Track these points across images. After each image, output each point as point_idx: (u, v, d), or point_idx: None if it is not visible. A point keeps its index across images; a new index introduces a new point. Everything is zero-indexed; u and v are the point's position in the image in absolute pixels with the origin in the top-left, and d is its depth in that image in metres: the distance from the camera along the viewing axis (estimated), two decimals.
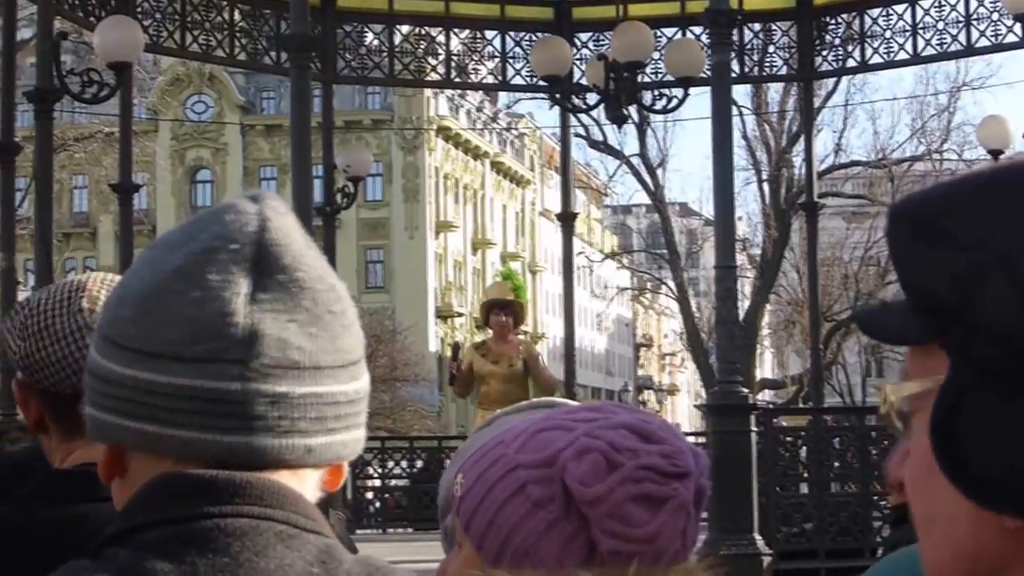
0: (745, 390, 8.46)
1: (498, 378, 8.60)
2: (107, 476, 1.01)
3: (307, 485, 1.01)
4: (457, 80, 13.34)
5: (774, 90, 29.60)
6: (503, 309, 8.69)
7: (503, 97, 51.09)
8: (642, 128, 29.51)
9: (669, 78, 11.41)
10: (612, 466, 1.18)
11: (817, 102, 27.97)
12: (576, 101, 12.14)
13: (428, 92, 46.46)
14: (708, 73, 9.87)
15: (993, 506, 0.74)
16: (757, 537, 7.98)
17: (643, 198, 36.99)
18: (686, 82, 10.87)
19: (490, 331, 8.88)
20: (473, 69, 13.16)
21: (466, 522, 1.22)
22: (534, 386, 8.63)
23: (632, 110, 15.31)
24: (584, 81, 11.79)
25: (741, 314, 32.50)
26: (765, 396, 36.76)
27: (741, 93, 30.92)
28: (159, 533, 0.94)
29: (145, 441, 0.96)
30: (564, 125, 13.19)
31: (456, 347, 9.51)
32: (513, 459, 1.22)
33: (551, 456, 1.20)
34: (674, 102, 11.15)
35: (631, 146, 30.86)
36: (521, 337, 9.28)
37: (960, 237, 0.74)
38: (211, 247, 0.97)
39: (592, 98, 11.70)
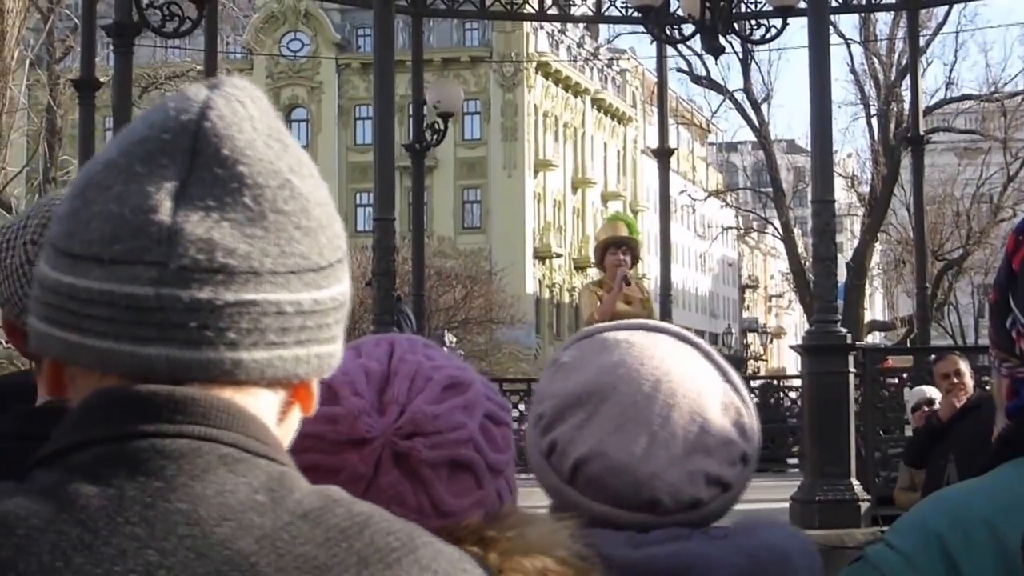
0: (843, 329, 8.16)
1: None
2: (53, 393, 0.93)
3: (261, 405, 0.89)
4: (551, 12, 13.01)
5: (883, 21, 28.65)
6: (619, 247, 8.22)
7: (603, 32, 50.32)
8: (746, 62, 28.86)
9: (768, 8, 10.99)
10: None
11: (927, 33, 27.02)
12: (670, 32, 11.76)
13: (527, 28, 45.84)
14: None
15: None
16: (855, 482, 7.74)
17: (748, 135, 36.26)
18: (784, 11, 10.42)
19: (604, 272, 8.22)
20: (567, 2, 12.80)
21: None
22: None
23: (734, 42, 14.85)
24: (680, 12, 11.41)
25: (850, 253, 31.77)
26: (875, 338, 35.96)
27: (849, 25, 29.98)
28: (90, 454, 0.85)
29: (69, 352, 0.87)
30: (660, 56, 12.82)
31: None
32: None
33: None
34: (773, 32, 10.74)
35: (735, 81, 30.21)
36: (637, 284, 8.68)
37: None
38: (144, 137, 0.88)
39: (688, 29, 11.32)
